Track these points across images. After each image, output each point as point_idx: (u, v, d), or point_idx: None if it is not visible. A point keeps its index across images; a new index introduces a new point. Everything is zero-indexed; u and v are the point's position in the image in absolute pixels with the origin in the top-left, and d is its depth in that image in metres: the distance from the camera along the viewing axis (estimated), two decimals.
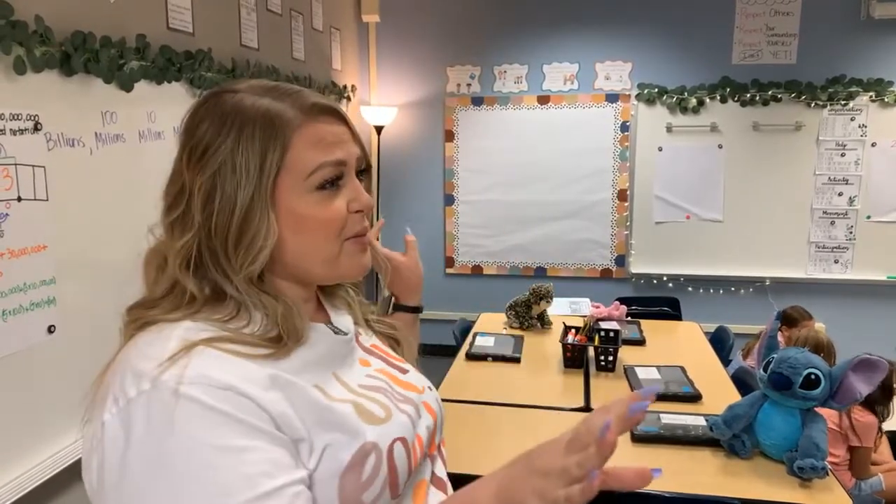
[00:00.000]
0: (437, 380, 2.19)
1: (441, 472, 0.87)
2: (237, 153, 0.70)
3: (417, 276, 1.14)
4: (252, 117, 0.71)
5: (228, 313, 0.71)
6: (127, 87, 2.05)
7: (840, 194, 4.12)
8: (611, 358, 2.52)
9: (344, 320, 0.87)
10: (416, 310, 1.14)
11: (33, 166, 1.70)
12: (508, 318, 3.13)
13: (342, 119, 0.78)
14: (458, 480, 0.98)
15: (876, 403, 2.64)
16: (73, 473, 1.85)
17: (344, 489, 0.68)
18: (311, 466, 0.67)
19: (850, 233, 4.14)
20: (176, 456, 0.59)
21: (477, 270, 4.59)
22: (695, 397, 2.25)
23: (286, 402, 0.66)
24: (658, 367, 2.49)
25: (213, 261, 0.71)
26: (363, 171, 0.82)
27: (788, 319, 3.42)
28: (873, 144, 4.04)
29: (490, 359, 2.63)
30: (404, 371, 0.89)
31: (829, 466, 1.76)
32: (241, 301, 0.72)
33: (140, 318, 0.71)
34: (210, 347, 0.66)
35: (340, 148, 0.75)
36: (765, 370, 1.85)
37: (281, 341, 0.71)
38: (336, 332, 0.82)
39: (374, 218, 0.86)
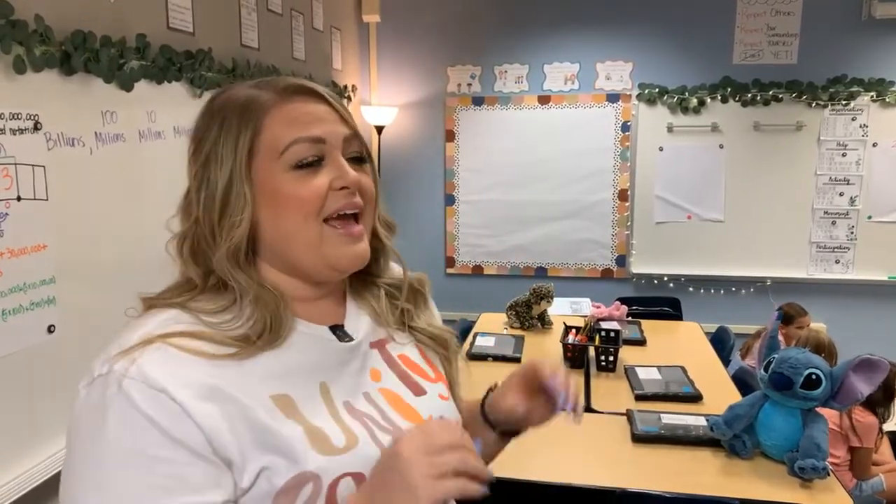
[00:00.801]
0: None
1: None
2: (218, 143, 0.74)
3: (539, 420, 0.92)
4: (231, 108, 0.75)
5: (222, 305, 0.73)
6: (127, 86, 2.05)
7: (841, 194, 4.12)
8: (611, 358, 2.52)
9: (362, 324, 0.83)
10: (510, 434, 0.96)
11: (33, 166, 1.70)
12: (509, 318, 3.13)
13: (322, 99, 0.77)
14: None
15: (877, 405, 2.63)
16: None
17: None
18: (244, 485, 0.66)
19: (852, 233, 4.14)
20: (99, 446, 0.63)
21: (477, 270, 4.59)
22: (695, 397, 2.25)
23: (222, 416, 0.66)
24: (659, 368, 2.49)
25: (206, 244, 0.74)
26: (362, 160, 0.79)
27: (785, 317, 3.42)
28: (874, 144, 4.04)
29: (490, 359, 2.63)
30: (420, 392, 0.83)
31: (830, 467, 1.76)
32: (226, 281, 0.74)
33: (146, 301, 0.75)
34: (166, 344, 0.67)
35: (318, 126, 0.75)
36: (765, 370, 1.85)
37: (248, 340, 0.70)
38: (342, 338, 0.79)
39: (376, 202, 0.80)
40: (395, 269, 0.92)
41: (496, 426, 0.94)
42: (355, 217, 0.77)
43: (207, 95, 2.48)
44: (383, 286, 0.88)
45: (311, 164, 0.74)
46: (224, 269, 0.73)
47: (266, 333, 0.72)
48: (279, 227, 0.74)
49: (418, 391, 0.83)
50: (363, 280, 0.87)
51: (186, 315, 0.72)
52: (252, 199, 0.73)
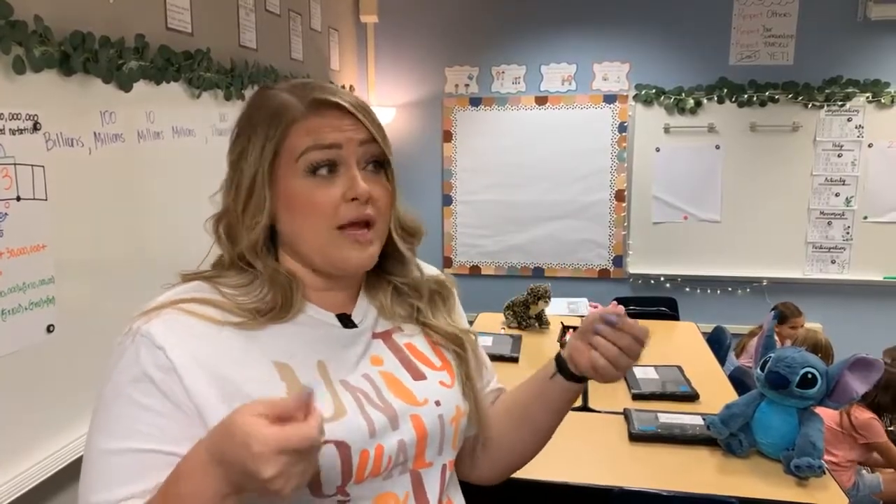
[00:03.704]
0: None
1: (433, 490, 0.84)
2: (250, 142, 0.80)
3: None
4: (267, 110, 0.80)
5: (243, 282, 0.81)
6: (126, 86, 2.05)
7: (837, 195, 4.13)
8: None
9: (369, 315, 0.88)
10: (578, 379, 0.91)
11: (32, 166, 1.70)
12: (506, 318, 3.14)
13: (346, 112, 0.80)
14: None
15: (885, 410, 2.64)
16: (72, 472, 1.85)
17: None
18: None
19: (847, 233, 4.16)
20: (104, 392, 0.74)
21: (475, 270, 4.60)
22: (692, 397, 2.26)
23: (208, 381, 0.73)
24: (656, 367, 2.50)
25: (234, 231, 0.81)
26: (381, 166, 0.83)
27: (779, 317, 3.44)
28: (870, 145, 4.06)
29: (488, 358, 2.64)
30: (420, 377, 0.86)
31: (826, 465, 1.77)
32: (255, 268, 0.81)
33: (183, 276, 0.83)
34: (178, 309, 0.76)
35: (334, 134, 0.79)
36: (762, 369, 1.86)
37: (257, 313, 0.78)
38: (346, 325, 0.84)
39: (391, 209, 0.85)
40: (427, 269, 0.96)
41: (570, 373, 0.90)
42: (367, 224, 0.80)
43: (206, 96, 2.51)
44: (394, 282, 0.91)
45: (324, 169, 0.78)
46: (246, 255, 0.81)
47: (275, 310, 0.79)
48: (294, 228, 0.80)
49: (418, 376, 0.86)
50: (377, 276, 0.90)
51: (207, 286, 0.80)
52: (271, 202, 0.79)
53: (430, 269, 0.97)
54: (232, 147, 0.83)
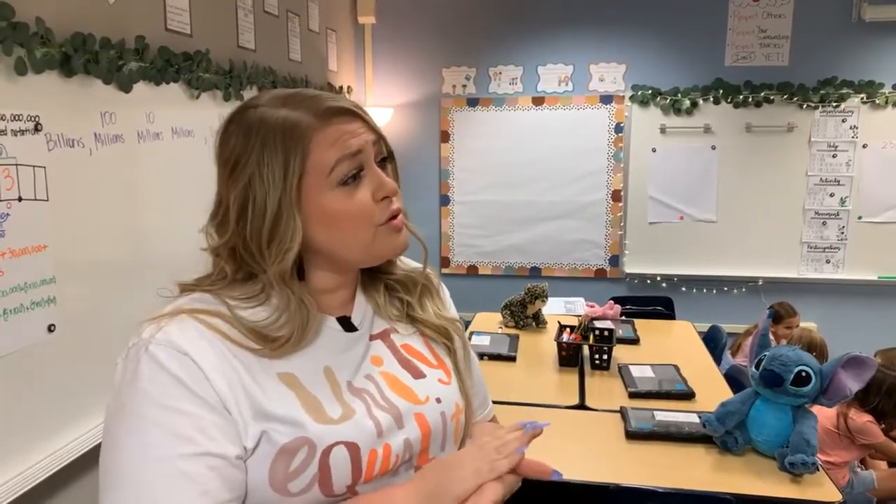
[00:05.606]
0: None
1: None
2: (263, 164, 0.76)
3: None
4: (272, 129, 0.76)
5: (248, 293, 0.80)
6: (126, 87, 2.06)
7: (832, 195, 4.16)
8: (605, 357, 2.54)
9: (367, 316, 0.89)
10: None
11: (34, 167, 1.71)
12: (504, 317, 3.15)
13: (356, 116, 0.81)
14: None
15: (887, 416, 2.66)
16: (72, 471, 1.86)
17: (273, 472, 0.72)
18: (249, 446, 0.72)
19: (842, 233, 4.18)
20: (128, 404, 0.70)
21: (472, 270, 4.61)
22: (688, 395, 2.28)
23: (229, 388, 0.72)
24: (652, 366, 2.52)
25: (251, 258, 0.79)
26: (386, 160, 0.85)
27: (774, 316, 3.46)
28: (864, 146, 4.08)
29: (486, 358, 2.65)
30: (420, 376, 0.88)
31: (820, 462, 1.79)
32: (267, 287, 0.79)
33: (181, 286, 0.82)
34: (191, 317, 0.74)
35: (354, 140, 0.79)
36: (757, 367, 1.87)
37: (268, 340, 0.76)
38: (348, 329, 0.86)
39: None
40: (410, 264, 0.99)
41: None
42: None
43: (205, 97, 2.52)
44: (385, 280, 0.94)
45: (352, 179, 0.79)
46: (275, 285, 0.78)
47: (288, 343, 0.78)
48: (334, 240, 0.80)
49: (418, 375, 0.88)
50: (371, 275, 0.92)
51: (212, 297, 0.79)
52: (302, 224, 0.77)
53: (413, 264, 0.99)
54: (231, 176, 0.78)
